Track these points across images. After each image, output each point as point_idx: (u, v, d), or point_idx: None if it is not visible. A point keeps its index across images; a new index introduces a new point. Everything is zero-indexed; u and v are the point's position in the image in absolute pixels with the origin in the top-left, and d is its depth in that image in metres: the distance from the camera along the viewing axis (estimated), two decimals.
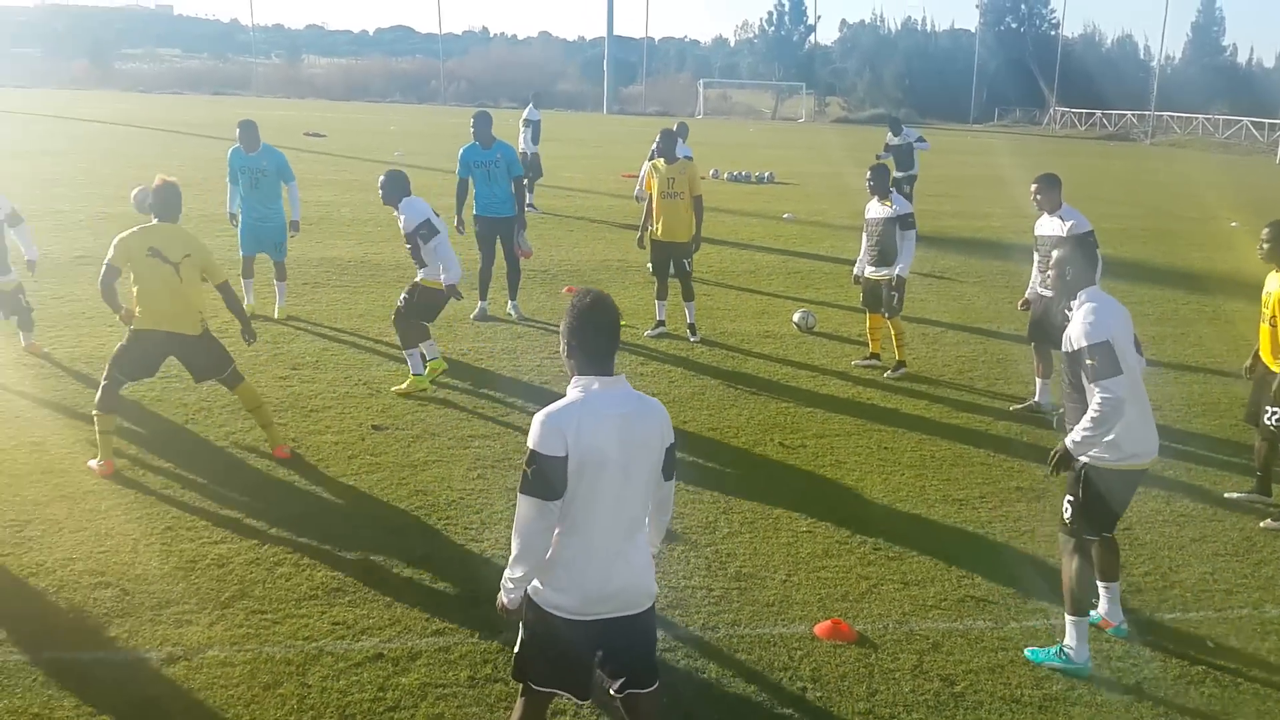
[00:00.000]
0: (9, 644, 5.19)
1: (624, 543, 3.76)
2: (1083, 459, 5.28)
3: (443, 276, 9.04)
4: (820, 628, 5.63)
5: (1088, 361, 5.10)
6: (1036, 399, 9.58)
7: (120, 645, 5.23)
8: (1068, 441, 5.26)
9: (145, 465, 7.42)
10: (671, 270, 11.42)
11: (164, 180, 7.49)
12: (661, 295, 11.68)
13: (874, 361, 10.75)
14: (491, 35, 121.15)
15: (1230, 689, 5.28)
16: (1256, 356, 7.54)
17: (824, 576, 6.27)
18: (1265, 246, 7.26)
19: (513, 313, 12.09)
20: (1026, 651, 5.48)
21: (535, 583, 3.77)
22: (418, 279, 9.32)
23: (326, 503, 7.00)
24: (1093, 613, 5.70)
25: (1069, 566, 5.40)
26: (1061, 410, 5.55)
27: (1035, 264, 9.38)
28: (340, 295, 12.91)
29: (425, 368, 9.29)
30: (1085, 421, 5.14)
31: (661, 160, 11.40)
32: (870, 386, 10.14)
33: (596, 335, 3.71)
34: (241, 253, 11.73)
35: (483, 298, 12.07)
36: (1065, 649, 5.36)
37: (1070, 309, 5.39)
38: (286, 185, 11.67)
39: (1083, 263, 5.36)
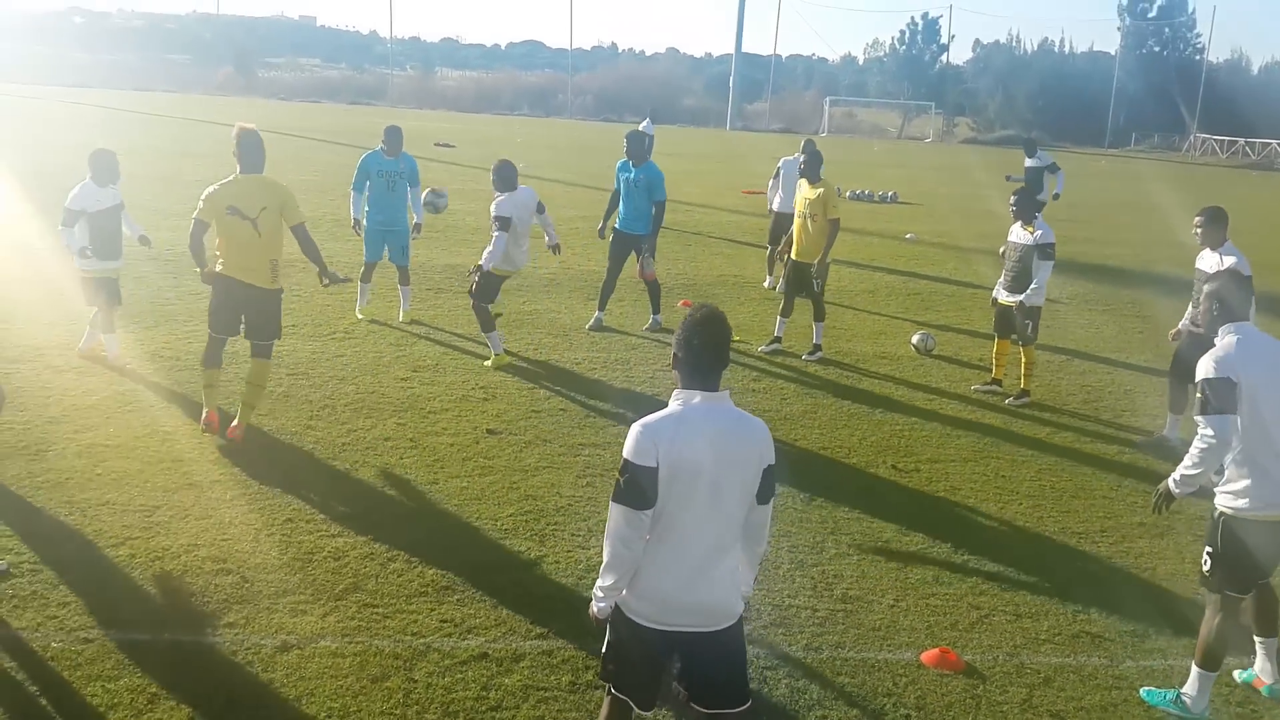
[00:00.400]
0: (133, 624, 5.42)
1: (709, 559, 3.74)
2: (1219, 508, 5.03)
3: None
4: (927, 655, 5.52)
5: (1198, 395, 4.94)
6: (1166, 433, 9.23)
7: (237, 631, 5.43)
8: (1170, 479, 5.08)
9: (269, 459, 7.70)
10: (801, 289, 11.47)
11: (243, 128, 7.85)
12: (786, 313, 11.70)
13: (995, 387, 10.50)
14: (620, 51, 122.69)
15: None
16: None
17: (933, 604, 6.14)
18: None
19: (655, 324, 12.20)
20: (1142, 691, 5.31)
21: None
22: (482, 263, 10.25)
23: (440, 502, 7.16)
24: (1248, 670, 5.46)
25: (1209, 620, 5.13)
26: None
27: (1192, 298, 9.04)
28: (463, 301, 13.12)
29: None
30: (1186, 459, 4.98)
31: (805, 180, 11.52)
32: (990, 412, 9.90)
33: (703, 350, 3.73)
34: (366, 258, 12.01)
35: (601, 308, 12.20)
36: (1184, 696, 5.15)
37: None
38: (412, 190, 11.96)
39: (1236, 297, 5.12)
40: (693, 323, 3.75)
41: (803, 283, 11.44)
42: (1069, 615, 6.09)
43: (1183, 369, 8.90)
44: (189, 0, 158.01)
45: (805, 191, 11.45)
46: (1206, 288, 5.25)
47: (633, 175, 11.79)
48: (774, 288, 14.78)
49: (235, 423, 7.95)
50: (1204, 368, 4.95)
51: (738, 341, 11.68)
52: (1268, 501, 4.93)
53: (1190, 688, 5.13)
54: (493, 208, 10.28)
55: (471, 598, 5.85)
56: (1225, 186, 41.11)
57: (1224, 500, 5.03)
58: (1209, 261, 8.61)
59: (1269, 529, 4.98)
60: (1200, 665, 5.10)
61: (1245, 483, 4.93)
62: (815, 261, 11.27)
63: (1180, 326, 9.23)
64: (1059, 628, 5.94)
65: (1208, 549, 5.13)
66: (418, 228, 12.19)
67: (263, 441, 8.02)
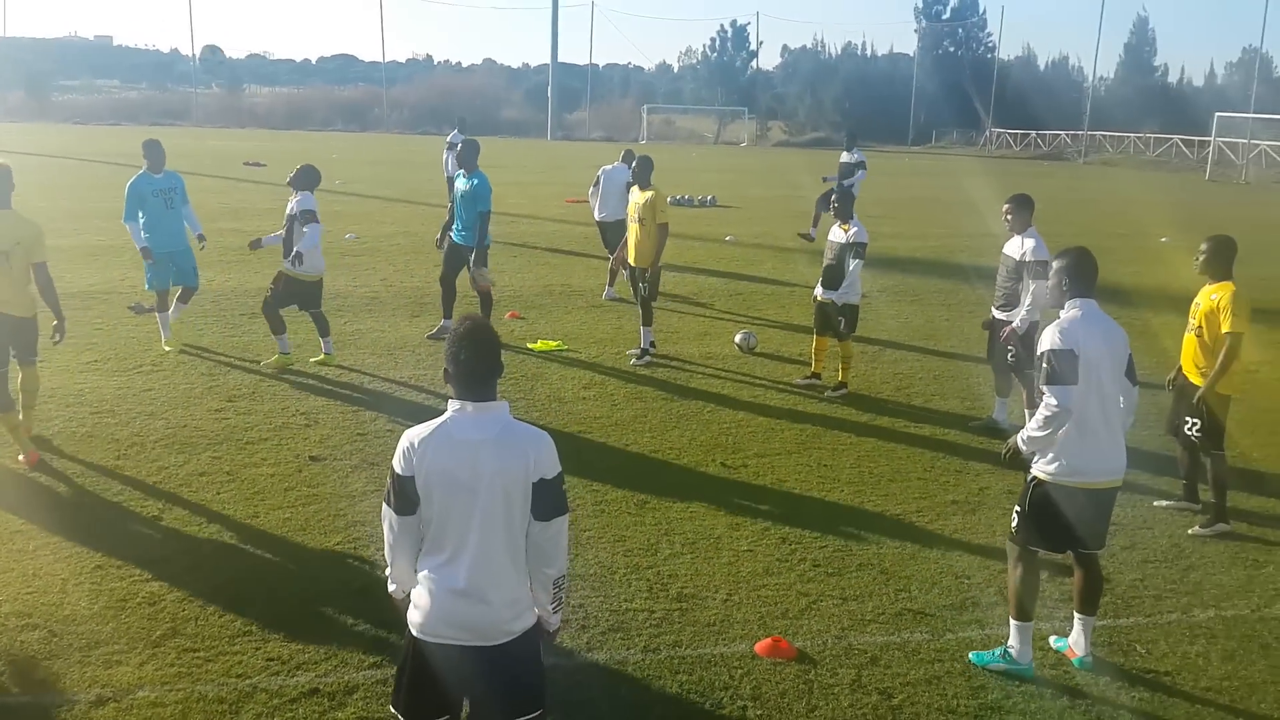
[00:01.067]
0: None
1: (476, 572, 3.65)
2: (1033, 472, 5.37)
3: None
4: (760, 646, 5.65)
5: (1044, 365, 5.18)
6: (995, 415, 9.72)
7: (48, 688, 5.10)
8: (1019, 436, 5.38)
9: (75, 504, 7.27)
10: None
11: None
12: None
13: (815, 381, 10.85)
14: (436, 63, 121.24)
15: (1161, 692, 5.38)
16: (1180, 370, 7.73)
17: (764, 595, 6.29)
18: (1201, 259, 7.48)
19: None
20: (971, 655, 5.58)
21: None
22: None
23: (262, 536, 6.90)
24: (1062, 640, 5.77)
25: (1014, 573, 5.48)
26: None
27: (997, 284, 9.40)
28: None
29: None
30: (1031, 423, 5.28)
31: (636, 186, 11.68)
32: (811, 405, 10.23)
33: (469, 362, 3.70)
34: (154, 287, 11.25)
35: (447, 316, 12.09)
36: (1009, 649, 5.46)
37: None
38: (184, 208, 11.40)
39: (1084, 274, 5.36)
40: (457, 336, 3.73)
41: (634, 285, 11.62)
42: (892, 594, 6.35)
43: (1000, 355, 9.36)
44: None
45: (636, 197, 11.57)
46: (1056, 263, 5.44)
47: (464, 184, 11.75)
48: (611, 298, 14.85)
49: (26, 451, 7.94)
50: (1048, 339, 5.20)
51: (565, 350, 11.71)
52: (1075, 469, 5.25)
53: (1012, 640, 5.46)
54: (295, 204, 10.76)
55: (300, 632, 5.66)
56: (1019, 178, 43.70)
57: (1039, 466, 5.35)
58: (1014, 246, 9.08)
59: (1074, 495, 5.27)
60: (1015, 618, 5.43)
61: (1057, 450, 5.25)
62: (648, 267, 11.40)
63: (992, 315, 9.59)
64: (883, 607, 6.19)
65: (1016, 508, 5.47)
66: (202, 238, 11.85)
67: (67, 485, 7.56)
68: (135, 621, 5.72)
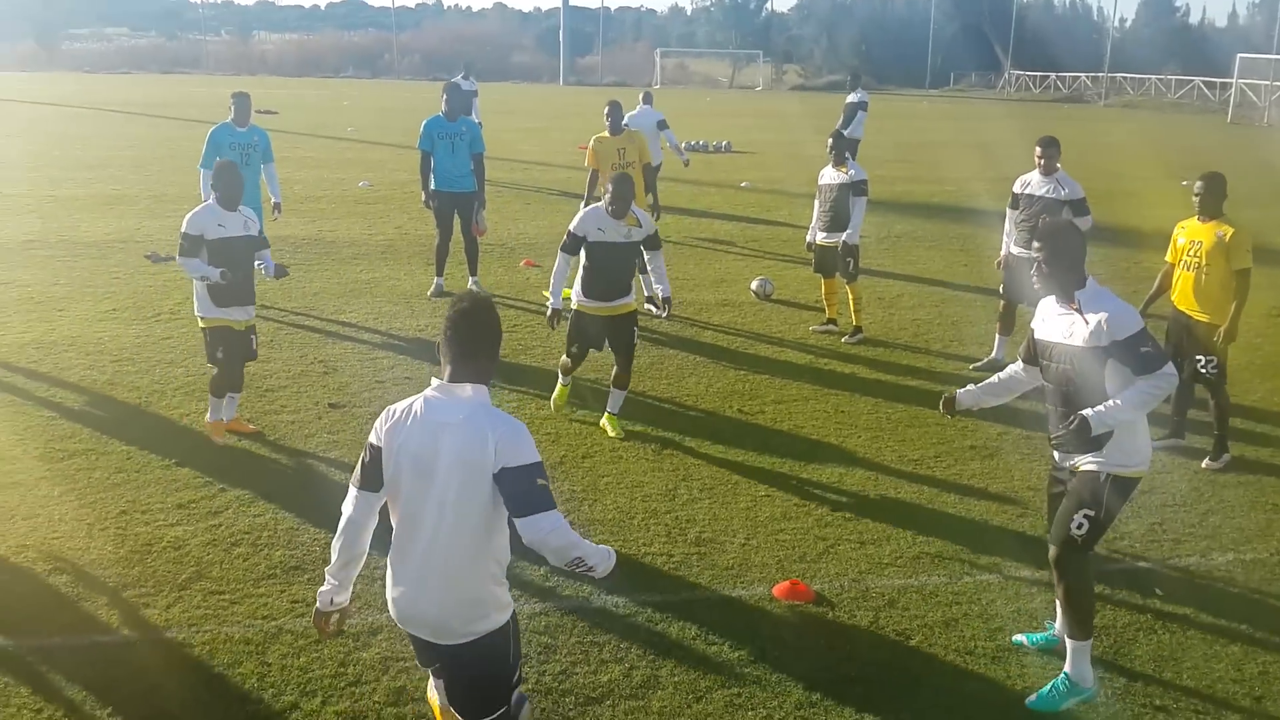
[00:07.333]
0: None
1: (430, 566, 3.51)
2: (1107, 470, 4.69)
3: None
4: (778, 589, 5.70)
5: (1142, 350, 4.53)
6: (995, 354, 9.73)
7: (76, 630, 5.19)
8: (1090, 412, 4.55)
9: (98, 451, 7.33)
10: None
11: None
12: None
13: (831, 327, 10.82)
14: (445, 8, 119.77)
15: (1178, 635, 5.41)
16: (1177, 308, 7.70)
17: (782, 539, 6.33)
18: (1199, 197, 7.49)
19: (474, 289, 12.02)
20: (1028, 702, 4.79)
21: None
22: None
23: (284, 483, 6.96)
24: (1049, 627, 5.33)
25: (1078, 586, 4.76)
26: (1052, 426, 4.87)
27: (1011, 219, 9.48)
28: (293, 273, 12.76)
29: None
30: (1135, 397, 4.54)
31: (606, 133, 11.28)
32: (827, 352, 10.21)
33: (452, 342, 3.58)
34: None
35: (439, 274, 11.97)
36: (1069, 677, 4.79)
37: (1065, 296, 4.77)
38: (266, 165, 11.09)
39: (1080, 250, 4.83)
40: (453, 312, 3.61)
41: None
42: (909, 538, 6.38)
43: (1016, 292, 9.38)
44: None
45: (613, 142, 11.21)
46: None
47: (457, 130, 11.47)
48: None
49: None
50: (1135, 318, 4.62)
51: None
52: (1146, 457, 4.79)
53: (1075, 666, 4.78)
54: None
55: (322, 576, 5.71)
56: (1038, 121, 43.15)
57: (1116, 460, 4.69)
58: (1042, 185, 9.25)
59: (1136, 485, 4.85)
60: (1080, 637, 4.76)
61: (1135, 436, 4.71)
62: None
63: (1004, 254, 9.63)
64: (900, 551, 6.22)
65: (1086, 512, 4.70)
66: (277, 208, 11.32)
67: (90, 433, 7.63)
68: (161, 566, 5.80)
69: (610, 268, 7.76)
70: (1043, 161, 9.21)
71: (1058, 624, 5.08)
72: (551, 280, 7.82)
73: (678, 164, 16.15)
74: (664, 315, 8.28)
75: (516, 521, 3.42)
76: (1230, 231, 7.33)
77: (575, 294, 7.89)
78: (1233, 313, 7.37)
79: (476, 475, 3.41)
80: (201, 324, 7.49)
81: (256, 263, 7.72)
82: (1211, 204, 7.47)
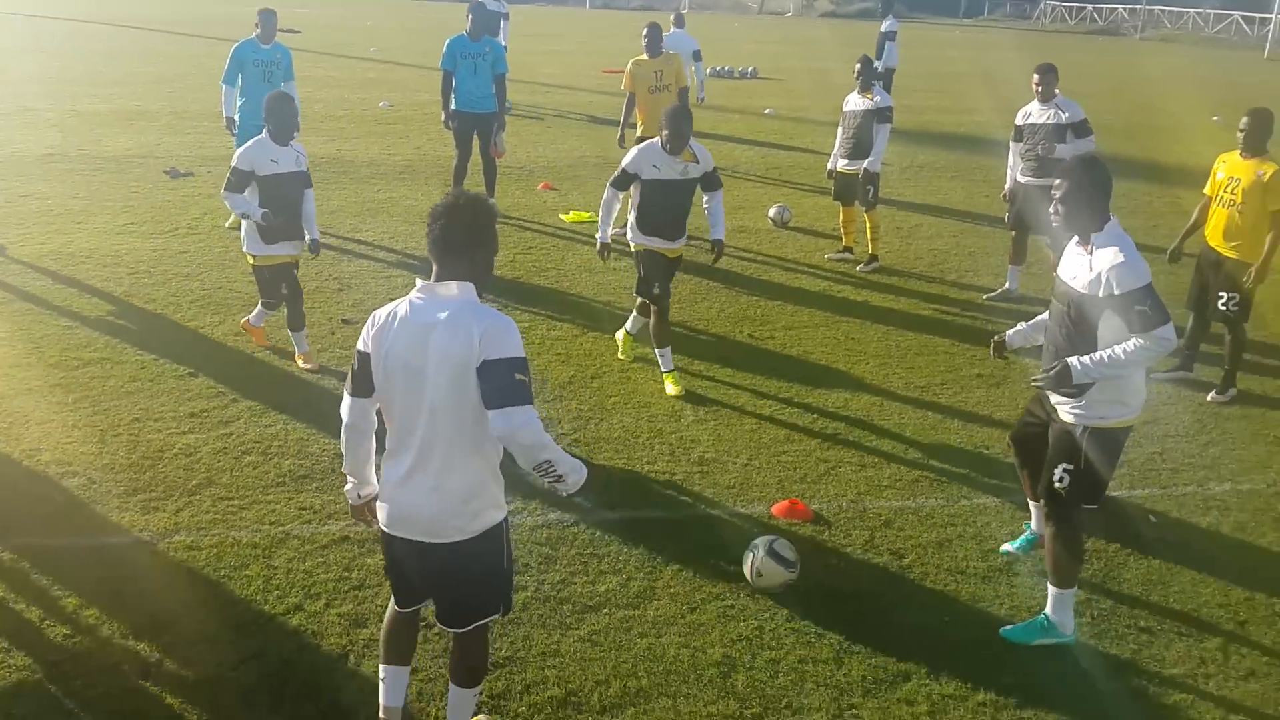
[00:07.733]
0: None
1: (419, 463, 3.52)
2: (1084, 423, 4.58)
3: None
4: (777, 507, 5.78)
5: (1139, 308, 4.35)
6: (1008, 285, 9.68)
7: (87, 532, 5.34)
8: (1075, 361, 4.46)
9: (113, 360, 7.45)
10: None
11: None
12: None
13: (847, 255, 10.78)
14: None
15: (1169, 560, 5.46)
16: (1207, 243, 7.61)
17: (784, 460, 6.40)
18: (1244, 133, 7.35)
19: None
20: (1002, 631, 4.81)
21: None
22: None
23: (295, 395, 7.06)
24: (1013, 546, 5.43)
25: (1061, 538, 4.69)
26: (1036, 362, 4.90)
27: (1015, 152, 9.39)
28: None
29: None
30: (1124, 354, 4.39)
31: (644, 55, 11.09)
32: (842, 280, 10.19)
33: (439, 236, 3.49)
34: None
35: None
36: (1049, 618, 4.76)
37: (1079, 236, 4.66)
38: (287, 84, 10.85)
39: (1102, 187, 4.59)
40: (435, 209, 3.52)
41: None
42: (910, 462, 6.43)
43: (1023, 223, 9.33)
44: None
45: (651, 64, 10.97)
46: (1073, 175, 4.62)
47: (480, 50, 11.37)
48: None
49: None
50: (1142, 271, 4.42)
51: (586, 221, 11.62)
52: (1134, 407, 4.66)
53: (1055, 610, 4.75)
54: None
55: (331, 484, 5.85)
56: (1072, 54, 42.25)
57: (1095, 412, 4.57)
58: (1042, 113, 9.17)
59: (1126, 435, 4.75)
60: (1058, 585, 4.73)
61: (1127, 387, 4.58)
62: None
63: (1011, 184, 9.55)
64: (900, 474, 6.28)
65: (1065, 466, 4.65)
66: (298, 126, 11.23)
67: (105, 342, 7.74)
68: (172, 471, 5.93)
69: (667, 206, 7.31)
70: (1040, 89, 9.12)
71: (1034, 523, 5.34)
72: (600, 213, 7.48)
73: (694, 91, 15.94)
74: (714, 260, 7.97)
75: (490, 414, 3.34)
76: (1271, 170, 7.18)
77: (634, 234, 7.49)
78: (1265, 252, 7.27)
79: (464, 371, 3.37)
80: (253, 261, 7.41)
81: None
82: (1256, 140, 7.34)
